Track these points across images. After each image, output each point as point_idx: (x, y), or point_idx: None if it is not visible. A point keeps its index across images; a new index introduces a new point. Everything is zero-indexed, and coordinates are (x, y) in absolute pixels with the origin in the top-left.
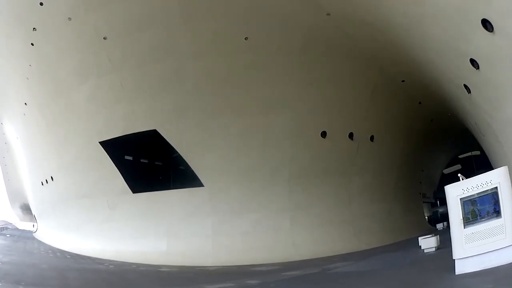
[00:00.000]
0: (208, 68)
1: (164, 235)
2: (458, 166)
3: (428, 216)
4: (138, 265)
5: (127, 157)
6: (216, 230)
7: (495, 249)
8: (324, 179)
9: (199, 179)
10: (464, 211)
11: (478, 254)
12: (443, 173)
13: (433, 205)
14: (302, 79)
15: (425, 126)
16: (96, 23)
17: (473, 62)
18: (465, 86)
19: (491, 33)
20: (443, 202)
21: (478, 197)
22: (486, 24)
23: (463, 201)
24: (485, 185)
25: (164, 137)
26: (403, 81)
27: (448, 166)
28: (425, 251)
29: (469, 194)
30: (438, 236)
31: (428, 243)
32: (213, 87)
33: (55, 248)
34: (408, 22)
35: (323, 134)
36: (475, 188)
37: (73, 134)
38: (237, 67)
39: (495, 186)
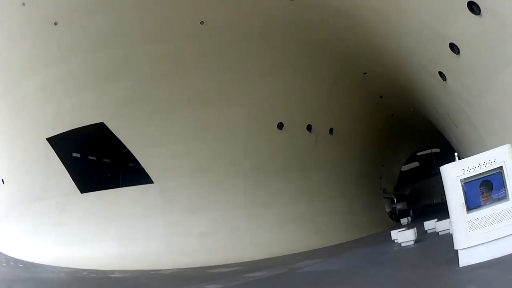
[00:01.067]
0: (160, 55)
1: (115, 238)
2: (416, 164)
3: (389, 212)
4: (90, 271)
5: (74, 155)
6: (169, 231)
7: (504, 235)
8: (282, 174)
9: (149, 177)
10: (467, 195)
11: (485, 243)
12: (401, 170)
13: (393, 201)
14: (261, 67)
15: (385, 121)
16: (47, 7)
17: (453, 46)
18: (440, 73)
19: (478, 16)
20: (400, 199)
21: (482, 178)
22: (473, 7)
23: (465, 183)
24: (488, 165)
25: (112, 131)
26: (365, 73)
27: (406, 163)
28: (403, 245)
29: (470, 175)
30: (415, 228)
31: (405, 236)
32: (164, 77)
33: (10, 257)
34: (383, 6)
35: (280, 126)
36: (478, 168)
37: (22, 131)
38: (191, 54)
39: (500, 165)
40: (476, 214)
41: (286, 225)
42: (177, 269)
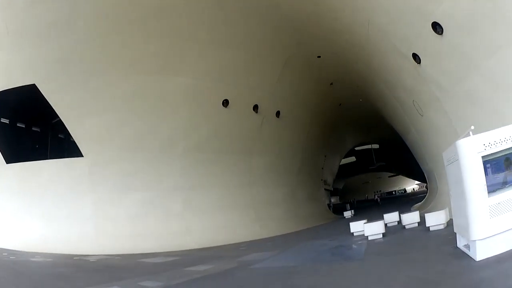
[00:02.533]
0: (97, 13)
1: (39, 216)
2: (353, 158)
3: (327, 205)
4: (11, 253)
5: (3, 120)
6: (97, 212)
7: None
8: (223, 156)
9: (78, 148)
10: (487, 175)
11: (506, 231)
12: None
13: (332, 193)
14: (211, 36)
15: (333, 110)
16: None
17: (436, 26)
18: (415, 55)
19: None
20: (333, 193)
21: (505, 154)
22: None
23: (487, 160)
24: None
25: (44, 95)
26: (319, 56)
27: (345, 157)
28: (370, 238)
29: (493, 151)
30: (383, 220)
31: (373, 229)
32: (101, 37)
33: None
34: None
35: (225, 103)
36: (504, 143)
37: None
38: (136, 14)
39: None
40: (498, 197)
41: (224, 211)
42: (104, 255)
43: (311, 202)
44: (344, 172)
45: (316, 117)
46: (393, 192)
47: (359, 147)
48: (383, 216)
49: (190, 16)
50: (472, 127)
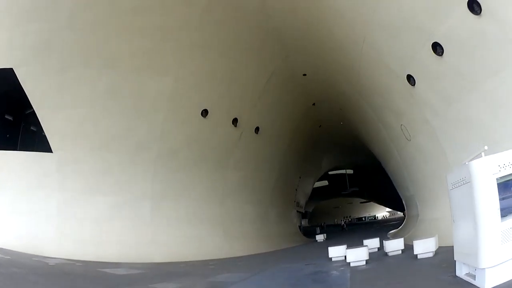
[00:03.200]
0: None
1: (1, 210)
2: (325, 182)
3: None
4: None
5: None
6: (62, 212)
7: None
8: (197, 166)
9: (47, 142)
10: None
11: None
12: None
13: (302, 216)
14: (197, 39)
15: (312, 131)
16: None
17: (436, 46)
18: (409, 77)
19: (477, 15)
20: (303, 216)
21: None
22: (473, 5)
23: (500, 183)
24: None
25: (20, 81)
26: (304, 74)
27: (318, 180)
28: (352, 264)
29: (509, 172)
30: (367, 247)
31: (356, 255)
32: (87, 26)
33: None
34: None
35: (204, 113)
36: None
37: None
38: (122, 8)
39: None
40: (510, 222)
41: (194, 225)
42: (65, 259)
43: (283, 223)
44: (315, 195)
45: (295, 137)
46: (363, 218)
47: (333, 172)
48: (362, 242)
49: (176, 16)
50: (486, 147)
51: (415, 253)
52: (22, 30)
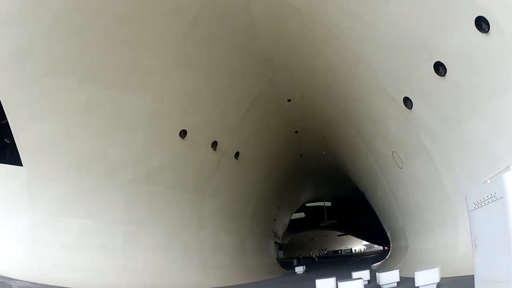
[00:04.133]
0: (74, 7)
1: None
2: (302, 214)
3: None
4: None
5: None
6: (30, 232)
7: None
8: (174, 192)
9: (18, 155)
10: None
11: None
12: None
13: (281, 247)
14: (180, 57)
15: (293, 160)
16: None
17: (439, 66)
18: (406, 99)
19: (485, 33)
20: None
21: None
22: (481, 23)
23: None
24: None
25: None
26: (289, 100)
27: (295, 212)
28: None
29: None
30: (362, 279)
31: None
32: (70, 34)
33: None
34: (356, 7)
35: (183, 134)
36: None
37: None
38: (106, 16)
39: None
40: None
41: (168, 254)
42: (30, 283)
43: (261, 254)
44: (291, 227)
45: (275, 165)
46: (339, 251)
47: (311, 204)
48: (349, 274)
49: (162, 29)
50: None
51: (416, 285)
52: (7, 34)
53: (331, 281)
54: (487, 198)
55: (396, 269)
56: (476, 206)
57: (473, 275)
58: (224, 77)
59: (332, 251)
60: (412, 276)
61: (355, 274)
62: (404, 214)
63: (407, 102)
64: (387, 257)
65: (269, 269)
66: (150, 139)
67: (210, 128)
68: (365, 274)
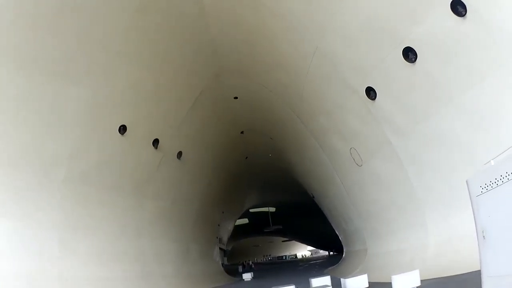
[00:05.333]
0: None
1: None
2: (246, 220)
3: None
4: None
5: None
6: None
7: None
8: (112, 194)
9: None
10: None
11: None
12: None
13: (225, 253)
14: (124, 48)
15: (238, 162)
16: None
17: (408, 52)
18: (370, 90)
19: (461, 17)
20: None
21: None
22: (457, 7)
23: None
24: None
25: None
26: (236, 97)
27: (240, 218)
28: None
29: None
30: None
31: None
32: (8, 20)
33: None
34: None
35: (122, 130)
36: None
37: None
38: (48, 4)
39: None
40: None
41: (107, 262)
42: None
43: (205, 261)
44: (234, 233)
45: (219, 167)
46: (284, 257)
47: (255, 209)
48: (307, 281)
49: (103, 19)
50: None
51: None
52: None
53: None
54: (498, 180)
55: (364, 273)
56: (484, 190)
57: (452, 276)
58: (169, 71)
59: (277, 257)
60: (377, 281)
61: (314, 281)
62: (361, 215)
63: (370, 92)
64: (340, 261)
65: (215, 277)
66: (87, 134)
67: (152, 125)
68: (326, 281)
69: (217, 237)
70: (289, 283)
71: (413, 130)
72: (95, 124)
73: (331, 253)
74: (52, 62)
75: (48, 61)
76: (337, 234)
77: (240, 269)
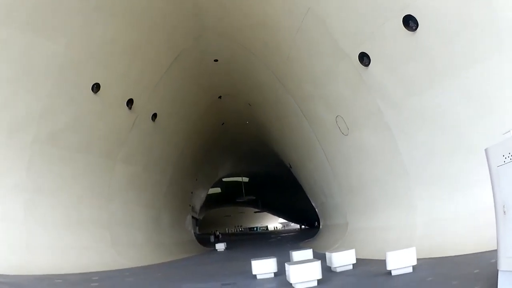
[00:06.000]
0: None
1: None
2: (218, 189)
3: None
4: None
5: None
6: None
7: None
8: (81, 155)
9: None
10: None
11: None
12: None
13: (197, 222)
14: (102, 2)
15: (214, 128)
16: None
17: (409, 20)
18: (363, 55)
19: None
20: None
21: None
22: None
23: None
24: None
25: None
26: (216, 60)
27: (213, 187)
28: (297, 286)
29: None
30: (320, 262)
31: (303, 273)
32: None
33: None
34: None
35: (95, 88)
36: None
37: None
38: None
39: None
40: None
41: (75, 228)
42: None
43: (177, 230)
44: (206, 202)
45: (195, 132)
46: (255, 228)
47: (228, 178)
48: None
49: None
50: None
51: (389, 268)
52: None
53: (271, 262)
54: None
55: (351, 249)
56: (508, 159)
57: (442, 258)
58: (147, 29)
59: (248, 228)
60: (363, 257)
61: (295, 254)
62: (343, 189)
63: (364, 58)
64: (316, 235)
65: (187, 247)
66: (58, 92)
67: (127, 84)
68: (308, 254)
69: (190, 205)
70: (266, 255)
71: (407, 103)
72: (67, 81)
73: (303, 226)
74: (29, 12)
75: (21, 12)
76: (310, 208)
77: (212, 239)
